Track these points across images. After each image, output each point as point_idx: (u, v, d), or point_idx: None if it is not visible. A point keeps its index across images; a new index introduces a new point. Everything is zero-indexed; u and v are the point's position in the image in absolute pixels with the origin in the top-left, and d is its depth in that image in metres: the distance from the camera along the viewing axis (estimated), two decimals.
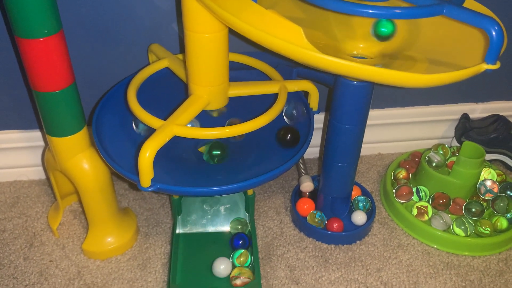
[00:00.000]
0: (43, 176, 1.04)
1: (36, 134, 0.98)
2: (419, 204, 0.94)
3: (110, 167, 0.72)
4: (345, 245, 0.91)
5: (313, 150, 1.11)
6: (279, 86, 0.75)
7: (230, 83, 0.75)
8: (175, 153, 0.79)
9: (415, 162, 1.05)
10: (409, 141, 1.14)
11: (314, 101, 0.80)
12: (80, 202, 0.97)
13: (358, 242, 0.91)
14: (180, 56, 0.84)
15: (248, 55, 0.86)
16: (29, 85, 0.89)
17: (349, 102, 0.76)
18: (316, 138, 1.08)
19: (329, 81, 0.80)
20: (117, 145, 0.77)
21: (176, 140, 0.68)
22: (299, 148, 0.74)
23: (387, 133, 1.11)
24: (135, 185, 1.02)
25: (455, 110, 1.11)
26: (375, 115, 1.06)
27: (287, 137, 0.77)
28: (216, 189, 0.68)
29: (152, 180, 0.66)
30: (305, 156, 1.08)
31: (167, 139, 0.65)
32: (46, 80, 0.69)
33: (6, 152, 1.00)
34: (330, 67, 0.55)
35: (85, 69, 0.90)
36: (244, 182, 0.68)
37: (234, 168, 0.76)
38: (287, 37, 0.55)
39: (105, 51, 0.89)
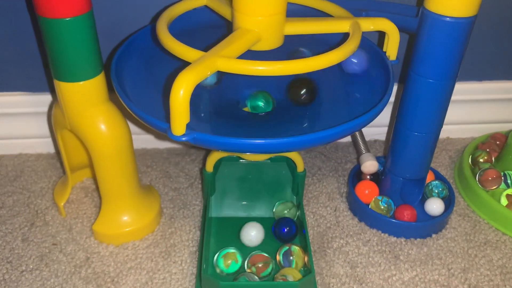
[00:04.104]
0: (52, 150, 0.89)
1: (47, 97, 0.83)
2: (510, 191, 0.75)
3: (133, 114, 0.55)
4: (418, 239, 0.72)
5: (375, 131, 0.93)
6: (350, 24, 0.58)
7: (287, 19, 0.58)
8: (216, 101, 0.63)
9: (496, 145, 0.87)
10: (484, 123, 0.95)
11: (392, 46, 0.62)
12: (94, 177, 0.82)
13: (434, 236, 0.73)
14: None
15: None
16: (38, 29, 0.74)
17: (437, 47, 0.59)
18: (384, 116, 0.91)
19: (411, 25, 0.62)
20: (140, 93, 0.61)
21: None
22: (379, 101, 0.57)
23: (457, 113, 0.93)
24: (157, 162, 0.86)
25: None
26: None
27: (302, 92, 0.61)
28: (265, 142, 0.50)
29: (187, 127, 0.49)
30: (366, 137, 0.90)
31: (208, 73, 0.49)
32: (55, 0, 0.54)
33: (11, 120, 0.85)
34: None
35: (104, 16, 0.75)
36: (308, 135, 0.51)
37: (289, 122, 0.59)
38: None
39: None
